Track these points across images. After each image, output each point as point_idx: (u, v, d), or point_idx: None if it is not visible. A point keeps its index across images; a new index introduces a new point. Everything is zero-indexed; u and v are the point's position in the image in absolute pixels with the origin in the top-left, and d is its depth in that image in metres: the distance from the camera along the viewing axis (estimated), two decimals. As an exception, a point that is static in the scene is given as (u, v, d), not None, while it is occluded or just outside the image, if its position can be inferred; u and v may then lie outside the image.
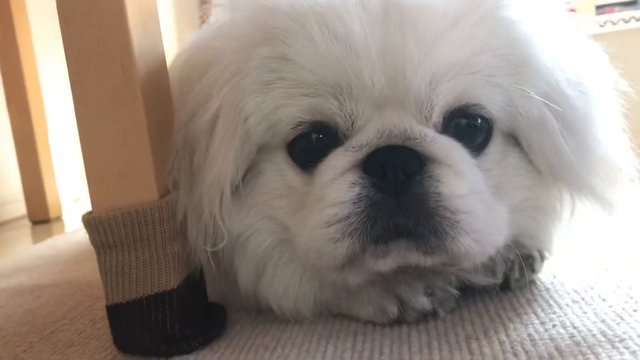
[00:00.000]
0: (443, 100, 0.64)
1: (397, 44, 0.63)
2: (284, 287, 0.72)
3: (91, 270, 0.71)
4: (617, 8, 4.40)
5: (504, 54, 0.67)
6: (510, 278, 0.74)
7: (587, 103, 0.69)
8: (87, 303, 0.93)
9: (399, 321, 0.68)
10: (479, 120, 0.67)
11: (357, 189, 0.61)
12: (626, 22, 4.38)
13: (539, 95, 0.67)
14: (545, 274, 0.79)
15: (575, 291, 0.73)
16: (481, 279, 0.72)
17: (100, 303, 0.90)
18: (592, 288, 0.73)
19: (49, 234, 1.83)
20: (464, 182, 0.62)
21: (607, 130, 0.71)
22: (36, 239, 1.78)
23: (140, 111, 0.67)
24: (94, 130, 0.68)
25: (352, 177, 0.62)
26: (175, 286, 0.68)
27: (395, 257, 0.62)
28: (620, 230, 1.00)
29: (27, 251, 1.48)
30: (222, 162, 0.67)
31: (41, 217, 2.07)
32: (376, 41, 0.63)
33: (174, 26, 3.45)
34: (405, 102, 0.64)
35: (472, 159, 0.66)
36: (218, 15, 0.76)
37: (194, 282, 0.73)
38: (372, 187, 0.61)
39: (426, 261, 0.63)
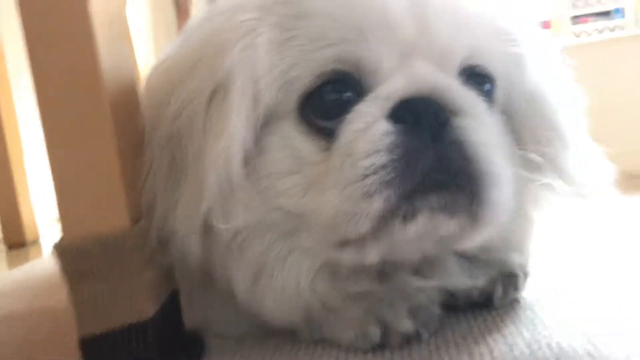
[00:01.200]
0: (460, 53, 0.65)
1: None
2: (283, 282, 0.67)
3: (67, 296, 0.69)
4: (591, 19, 4.48)
5: (503, 33, 0.70)
6: (494, 296, 0.73)
7: (567, 97, 0.73)
8: (63, 331, 0.90)
9: (381, 345, 0.66)
10: (486, 85, 0.68)
11: (392, 137, 0.59)
12: (600, 32, 4.45)
13: (530, 74, 0.70)
14: (530, 291, 0.78)
15: (561, 310, 0.72)
16: (464, 282, 0.71)
17: (75, 332, 0.87)
18: (577, 307, 0.72)
19: (26, 258, 1.79)
20: (491, 134, 0.62)
21: (581, 126, 0.74)
22: (12, 263, 1.75)
23: (111, 136, 0.66)
24: (64, 156, 0.67)
25: (385, 126, 0.60)
26: (151, 315, 0.66)
27: (424, 219, 0.59)
28: (608, 248, 1.00)
29: (1, 277, 1.45)
30: (233, 126, 0.62)
31: (17, 240, 2.03)
32: None
33: (152, 40, 3.43)
34: (430, 51, 0.64)
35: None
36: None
37: (170, 310, 0.71)
38: (407, 135, 0.59)
39: (449, 225, 0.61)
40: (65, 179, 0.67)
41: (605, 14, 4.52)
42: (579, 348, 0.61)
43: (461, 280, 0.70)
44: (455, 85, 0.63)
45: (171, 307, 0.71)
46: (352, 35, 0.62)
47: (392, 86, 0.62)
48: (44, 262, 1.60)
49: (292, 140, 0.65)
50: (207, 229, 0.64)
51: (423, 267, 0.69)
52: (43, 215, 2.24)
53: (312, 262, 0.67)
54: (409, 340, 0.67)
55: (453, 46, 0.65)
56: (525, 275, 0.76)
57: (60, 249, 0.66)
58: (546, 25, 4.03)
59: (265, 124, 0.66)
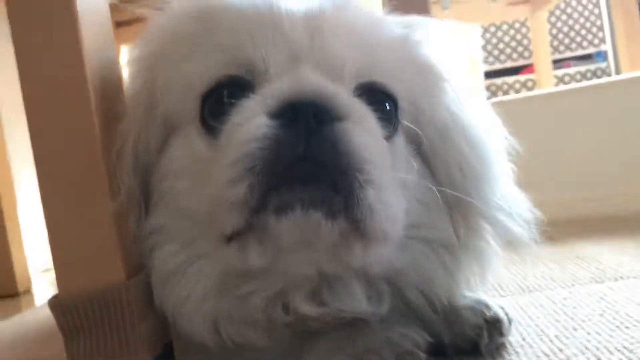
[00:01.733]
0: (354, 67, 0.68)
1: (318, 11, 0.69)
2: (186, 292, 0.67)
3: (59, 349, 0.69)
4: (572, 62, 4.59)
5: (411, 65, 0.74)
6: (480, 343, 0.74)
7: (484, 135, 0.74)
8: (55, 385, 0.90)
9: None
10: (387, 105, 0.70)
11: (265, 129, 0.59)
12: (582, 75, 4.55)
13: (443, 106, 0.73)
14: (514, 335, 0.80)
15: (545, 354, 0.73)
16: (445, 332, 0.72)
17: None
18: (561, 350, 0.74)
19: (18, 308, 1.78)
20: (373, 139, 0.63)
21: (503, 166, 0.76)
22: (3, 314, 1.73)
23: (106, 192, 0.68)
24: (60, 212, 0.69)
25: (261, 119, 0.60)
26: (145, 368, 0.68)
27: (297, 217, 0.58)
28: (590, 288, 1.01)
29: (-7, 329, 1.44)
30: (126, 128, 0.69)
31: (9, 291, 2.02)
32: (304, 9, 0.69)
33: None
34: (320, 59, 0.67)
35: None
36: None
37: (164, 362, 0.72)
38: (281, 129, 0.59)
39: (327, 229, 0.59)
40: (61, 233, 0.69)
41: (587, 57, 4.64)
42: (562, 393, 0.62)
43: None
44: (340, 92, 0.64)
45: (166, 358, 0.72)
46: (245, 41, 0.67)
47: (276, 86, 0.64)
48: (35, 312, 1.60)
49: (192, 142, 0.69)
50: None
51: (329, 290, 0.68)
52: (35, 265, 2.24)
53: (212, 271, 0.67)
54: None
55: (346, 58, 0.67)
56: (510, 320, 0.78)
57: (56, 304, 0.68)
58: (529, 69, 4.13)
59: (171, 132, 0.71)
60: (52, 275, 0.69)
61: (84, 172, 0.68)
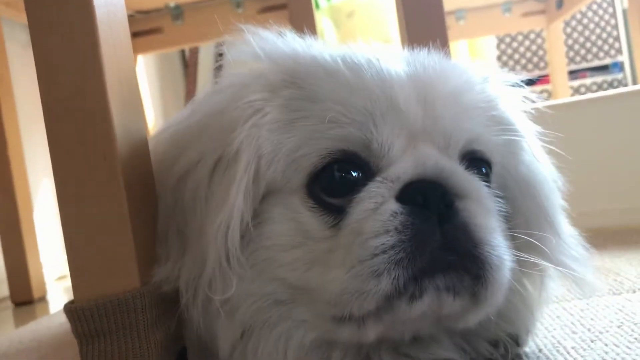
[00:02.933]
0: (461, 138, 0.68)
1: (425, 80, 0.68)
2: (269, 351, 0.66)
3: (73, 356, 0.70)
4: (588, 73, 4.56)
5: (495, 121, 0.73)
6: (496, 354, 0.74)
7: (549, 180, 0.76)
8: (69, 392, 0.90)
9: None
10: (483, 169, 0.71)
11: (401, 218, 0.60)
12: (599, 85, 4.52)
13: (523, 162, 0.74)
14: (531, 346, 0.79)
15: (563, 365, 0.72)
16: (454, 356, 0.70)
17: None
18: (578, 361, 0.73)
19: (32, 316, 1.79)
20: (493, 218, 0.65)
21: (562, 211, 0.77)
22: (19, 321, 1.75)
23: (122, 199, 0.68)
24: (76, 219, 0.69)
25: (394, 206, 0.61)
26: (159, 375, 0.68)
27: (430, 299, 0.61)
28: (608, 300, 1.00)
29: (7, 336, 1.45)
30: (234, 200, 0.63)
31: (24, 298, 2.03)
32: (407, 75, 0.68)
33: (160, 103, 3.51)
34: (434, 135, 0.67)
35: None
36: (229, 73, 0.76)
37: (178, 370, 0.72)
38: (416, 216, 0.60)
39: (453, 305, 0.62)
40: (77, 239, 0.69)
41: (603, 69, 4.61)
42: (580, 405, 0.61)
43: (452, 354, 0.69)
44: (459, 169, 0.66)
45: (179, 367, 0.72)
46: (362, 119, 0.65)
47: (400, 168, 0.64)
48: (50, 320, 1.61)
49: (299, 215, 0.66)
50: (204, 296, 0.65)
51: (413, 342, 0.69)
52: (50, 272, 2.25)
53: (303, 336, 0.66)
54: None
55: (456, 131, 0.68)
56: (528, 330, 0.77)
57: (71, 310, 0.68)
58: (545, 80, 4.12)
59: (265, 198, 0.67)
60: (66, 282, 0.70)
61: (101, 179, 0.69)
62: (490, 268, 0.61)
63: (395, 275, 0.59)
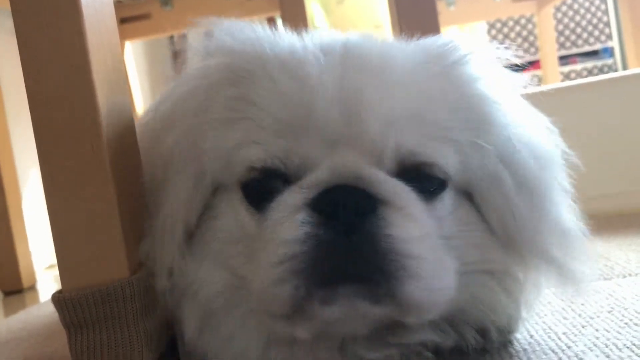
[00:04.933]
0: (396, 146, 0.65)
1: (354, 85, 0.65)
2: (229, 333, 0.68)
3: (63, 345, 0.69)
4: (579, 58, 4.57)
5: (460, 110, 0.69)
6: (487, 340, 0.74)
7: (539, 165, 0.71)
8: (59, 382, 0.90)
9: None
10: (434, 175, 0.68)
11: (306, 228, 0.60)
12: (589, 71, 4.53)
13: (493, 153, 0.69)
14: (522, 332, 0.79)
15: (553, 351, 0.72)
16: (434, 338, 0.70)
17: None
18: (569, 347, 0.73)
19: (22, 305, 1.78)
20: (415, 227, 0.62)
21: (558, 195, 0.72)
22: (8, 310, 1.74)
23: (110, 189, 0.68)
24: (63, 208, 0.68)
25: (302, 216, 0.61)
26: (149, 364, 0.67)
27: (343, 305, 0.60)
28: (598, 285, 1.00)
29: (-3, 325, 1.44)
30: (174, 201, 0.68)
31: (14, 287, 2.02)
32: (333, 81, 0.65)
33: (148, 83, 3.49)
34: (359, 143, 0.65)
35: (423, 205, 0.66)
36: (191, 65, 0.78)
37: (168, 358, 0.72)
38: (322, 226, 0.60)
39: (374, 311, 0.61)
40: (64, 229, 0.69)
41: (593, 54, 4.62)
42: (571, 391, 0.61)
43: (432, 336, 0.69)
44: (381, 176, 0.64)
45: (170, 354, 0.72)
46: (283, 129, 0.65)
47: (315, 176, 0.64)
48: (40, 308, 1.60)
49: (238, 212, 0.68)
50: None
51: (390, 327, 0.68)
52: (40, 261, 2.24)
53: (259, 323, 0.68)
54: (405, 385, 0.67)
55: (385, 138, 0.65)
56: (518, 316, 0.77)
57: (59, 300, 0.67)
58: (535, 65, 4.12)
59: (216, 190, 0.70)
60: (56, 271, 0.69)
61: (88, 169, 0.68)
62: (398, 281, 0.59)
63: (295, 284, 0.59)
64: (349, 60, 0.67)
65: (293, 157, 0.65)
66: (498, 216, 0.69)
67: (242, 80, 0.69)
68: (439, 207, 0.68)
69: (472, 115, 0.69)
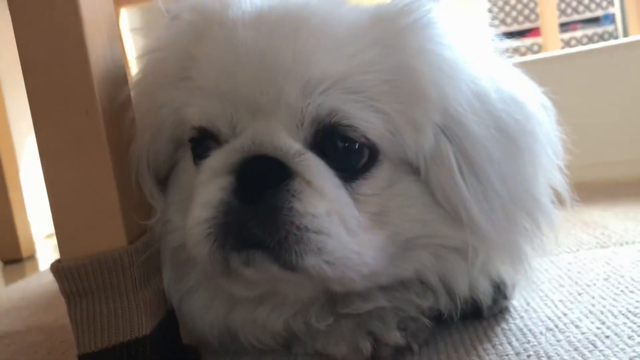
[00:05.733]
0: (315, 112, 0.64)
1: (276, 52, 0.64)
2: (191, 287, 0.73)
3: (63, 313, 0.69)
4: (579, 25, 4.52)
5: (395, 80, 0.65)
6: (482, 306, 0.74)
7: (499, 138, 0.66)
8: (60, 349, 0.91)
9: (373, 358, 0.68)
10: (357, 145, 0.65)
11: (221, 194, 0.63)
12: (589, 38, 4.49)
13: (432, 127, 0.65)
14: (519, 299, 0.80)
15: (549, 318, 0.73)
16: (421, 303, 0.70)
17: (73, 349, 0.88)
18: (565, 314, 0.74)
19: (22, 274, 1.79)
20: (322, 202, 0.62)
21: (524, 168, 0.68)
22: (8, 279, 1.75)
23: (106, 156, 0.67)
24: (59, 177, 0.68)
25: (222, 181, 0.64)
26: (148, 332, 0.67)
27: (258, 268, 0.62)
28: (595, 253, 1.01)
29: (-2, 294, 1.45)
30: (139, 145, 0.71)
31: (13, 256, 2.03)
32: (258, 48, 0.65)
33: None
34: (277, 111, 0.64)
35: (338, 180, 0.64)
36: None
37: (167, 326, 0.72)
38: (234, 193, 0.63)
39: (289, 276, 0.63)
40: (62, 200, 0.68)
41: (594, 21, 4.56)
42: (566, 356, 0.62)
43: (417, 301, 0.69)
44: (294, 148, 0.63)
45: (169, 323, 0.72)
46: (214, 93, 0.67)
47: (238, 143, 0.65)
48: (39, 277, 1.61)
49: (188, 170, 0.73)
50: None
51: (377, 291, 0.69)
52: (39, 231, 2.24)
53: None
54: (402, 352, 0.68)
55: (302, 105, 0.63)
56: (514, 283, 0.78)
57: (58, 269, 0.67)
58: (535, 32, 4.07)
59: (179, 146, 0.74)
60: (55, 240, 0.69)
61: (85, 137, 0.67)
62: (296, 252, 0.60)
63: (208, 246, 0.63)
64: (281, 24, 0.65)
65: (220, 121, 0.67)
66: (444, 194, 0.66)
67: (197, 38, 0.70)
68: (368, 183, 0.65)
69: (408, 88, 0.65)
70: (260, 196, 0.61)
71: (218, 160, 0.65)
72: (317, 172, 0.63)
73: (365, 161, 0.65)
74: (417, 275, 0.70)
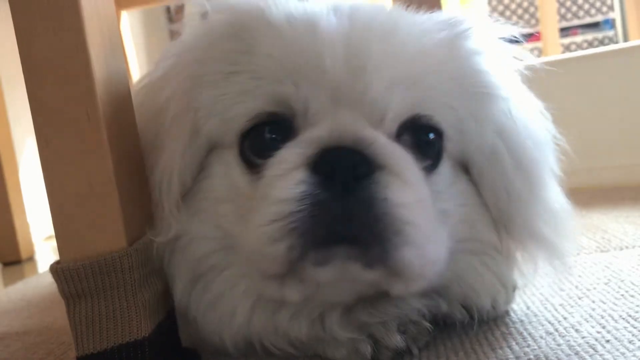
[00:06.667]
0: (397, 107, 0.65)
1: (361, 41, 0.65)
2: (216, 295, 0.69)
3: (62, 315, 0.69)
4: (579, 30, 4.52)
5: (459, 80, 0.69)
6: (483, 310, 0.74)
7: (534, 144, 0.71)
8: (59, 351, 0.90)
9: (374, 361, 0.67)
10: (431, 136, 0.67)
11: (302, 187, 0.60)
12: (589, 43, 4.50)
13: (492, 127, 0.69)
14: (519, 303, 0.80)
15: (549, 322, 0.73)
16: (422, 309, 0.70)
17: (72, 351, 0.88)
18: (565, 318, 0.73)
19: (21, 276, 1.79)
20: (411, 193, 0.62)
21: (549, 177, 0.73)
22: (7, 281, 1.75)
23: (107, 158, 0.67)
24: (60, 178, 0.68)
25: (300, 174, 0.60)
26: (147, 334, 0.67)
27: (336, 267, 0.60)
28: (595, 257, 1.01)
29: (-3, 295, 1.45)
30: (169, 155, 0.68)
31: (12, 258, 2.03)
32: (341, 37, 0.65)
33: (144, 53, 3.45)
34: (361, 102, 0.64)
35: (422, 174, 0.65)
36: (189, 26, 0.77)
37: (167, 328, 0.72)
38: (318, 186, 0.59)
39: (365, 275, 0.61)
40: (62, 201, 0.68)
41: (594, 26, 4.57)
42: (567, 361, 0.62)
43: (417, 305, 0.69)
44: (381, 139, 0.63)
45: (168, 324, 0.72)
46: (285, 76, 0.64)
47: (315, 134, 0.63)
48: (38, 279, 1.61)
49: (231, 171, 0.68)
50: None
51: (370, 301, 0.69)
52: (38, 232, 2.24)
53: (248, 287, 0.68)
54: (401, 355, 0.68)
55: (388, 98, 0.64)
56: (515, 287, 0.78)
57: (57, 270, 0.67)
58: (536, 37, 4.08)
59: (211, 151, 0.70)
60: (54, 242, 0.69)
61: (85, 138, 0.67)
62: (392, 245, 0.59)
63: (289, 244, 0.59)
64: (357, 20, 0.67)
65: (296, 103, 0.64)
66: (493, 192, 0.69)
67: (243, 35, 0.68)
68: (437, 179, 0.68)
69: (471, 88, 0.69)
70: (352, 188, 0.59)
71: (293, 152, 0.63)
72: (405, 164, 0.63)
73: (435, 157, 0.68)
74: (452, 281, 0.70)
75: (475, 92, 0.69)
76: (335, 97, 0.64)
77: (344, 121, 0.63)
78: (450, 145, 0.69)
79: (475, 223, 0.70)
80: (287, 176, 0.61)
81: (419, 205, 0.62)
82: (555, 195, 0.74)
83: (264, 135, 0.66)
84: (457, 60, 0.70)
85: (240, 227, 0.65)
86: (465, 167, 0.71)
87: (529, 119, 0.73)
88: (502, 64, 0.73)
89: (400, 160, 0.63)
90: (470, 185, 0.71)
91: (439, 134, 0.68)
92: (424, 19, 0.73)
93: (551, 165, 0.75)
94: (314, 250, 0.59)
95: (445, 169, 0.69)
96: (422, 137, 0.67)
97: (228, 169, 0.69)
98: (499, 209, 0.69)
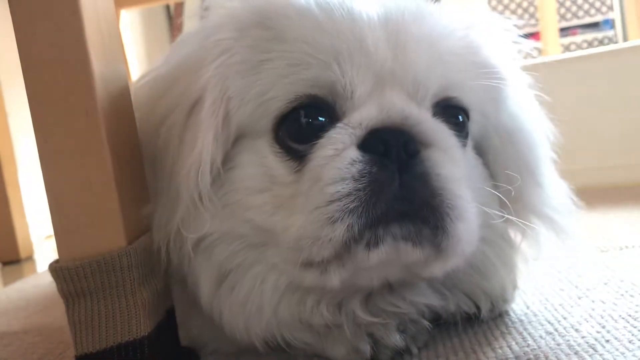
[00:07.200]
0: (434, 87, 0.67)
1: (397, 23, 0.67)
2: (245, 293, 0.68)
3: (61, 314, 0.69)
4: (579, 30, 4.52)
5: (478, 65, 0.72)
6: (482, 309, 0.74)
7: (538, 130, 0.76)
8: (57, 351, 0.90)
9: (373, 360, 0.67)
10: (460, 117, 0.70)
11: (359, 166, 0.60)
12: (589, 43, 4.50)
13: (507, 110, 0.73)
14: (519, 303, 0.80)
15: (549, 322, 0.73)
16: (434, 302, 0.71)
17: (71, 350, 0.87)
18: (565, 318, 0.73)
19: (20, 275, 1.79)
20: (458, 169, 0.63)
21: (549, 161, 0.77)
22: (6, 280, 1.74)
23: (106, 156, 0.67)
24: (59, 177, 0.68)
25: (353, 154, 0.61)
26: (146, 333, 0.67)
27: (387, 247, 0.60)
28: (595, 257, 1.01)
29: (-4, 295, 1.45)
30: (203, 142, 0.65)
31: (12, 257, 2.03)
32: (378, 16, 0.66)
33: (145, 57, 3.45)
34: (404, 81, 0.66)
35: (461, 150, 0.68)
36: (190, 25, 0.78)
37: (166, 327, 0.72)
38: (374, 165, 0.60)
39: (413, 255, 0.61)
40: (60, 198, 0.68)
41: (594, 26, 4.57)
42: (567, 360, 0.62)
43: (431, 300, 0.70)
44: (427, 118, 0.65)
45: (167, 324, 0.72)
46: (328, 59, 0.64)
47: (364, 114, 0.63)
48: (37, 278, 1.60)
49: (266, 159, 0.67)
50: (178, 237, 0.67)
51: (389, 288, 0.69)
52: (37, 232, 2.24)
53: (277, 279, 0.67)
54: (401, 354, 0.68)
55: (427, 78, 0.66)
56: (514, 287, 0.78)
57: (56, 269, 0.67)
58: (535, 37, 4.08)
59: (237, 141, 0.68)
60: (54, 242, 0.68)
61: (83, 137, 0.67)
62: (449, 219, 0.60)
63: (349, 223, 0.59)
64: (388, 4, 0.69)
65: (339, 88, 0.64)
66: (505, 172, 0.72)
67: (269, 23, 0.68)
68: (466, 157, 0.70)
69: (488, 74, 0.71)
70: (406, 165, 0.60)
71: (342, 132, 0.63)
72: (450, 140, 0.65)
73: (464, 138, 0.71)
74: (464, 270, 0.70)
75: (490, 80, 0.71)
76: (379, 78, 0.65)
77: (391, 100, 0.64)
78: (474, 127, 0.72)
79: (489, 205, 0.70)
80: (340, 156, 0.61)
81: (465, 181, 0.64)
82: (555, 176, 0.78)
83: (300, 121, 0.65)
84: (472, 49, 0.72)
85: (279, 216, 0.65)
86: (480, 153, 0.74)
87: (533, 105, 0.78)
88: (505, 55, 0.76)
89: (446, 137, 0.65)
90: (484, 166, 0.74)
91: (466, 115, 0.71)
92: (440, 9, 0.75)
93: (548, 153, 0.78)
94: (371, 230, 0.59)
95: (469, 150, 0.72)
96: (452, 119, 0.69)
97: (261, 158, 0.67)
98: (509, 190, 0.70)
